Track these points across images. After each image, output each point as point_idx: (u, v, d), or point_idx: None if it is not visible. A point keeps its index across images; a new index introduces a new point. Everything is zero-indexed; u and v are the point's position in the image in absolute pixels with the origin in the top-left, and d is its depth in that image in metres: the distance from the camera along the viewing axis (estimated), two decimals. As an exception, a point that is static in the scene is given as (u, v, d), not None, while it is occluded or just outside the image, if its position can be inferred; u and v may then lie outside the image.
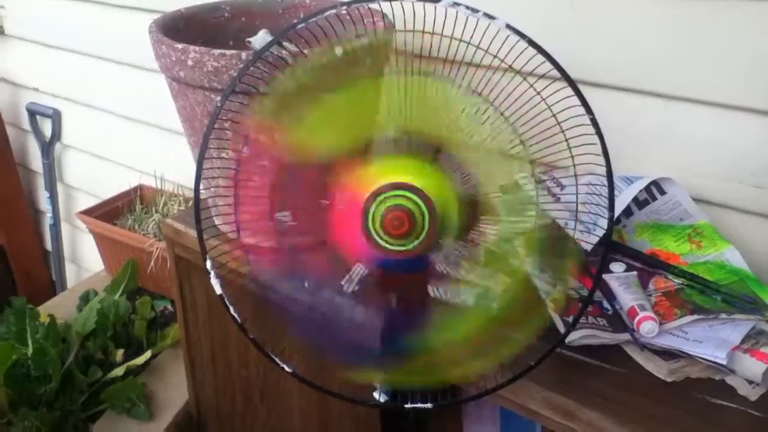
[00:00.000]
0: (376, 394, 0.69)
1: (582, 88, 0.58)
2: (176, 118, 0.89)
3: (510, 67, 0.61)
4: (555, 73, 0.58)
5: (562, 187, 0.78)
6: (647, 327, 0.70)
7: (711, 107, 0.85)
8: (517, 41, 0.58)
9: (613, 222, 0.63)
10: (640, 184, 0.83)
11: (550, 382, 0.69)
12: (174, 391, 1.29)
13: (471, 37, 0.59)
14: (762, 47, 0.79)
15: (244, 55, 0.75)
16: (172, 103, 0.88)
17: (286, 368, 0.67)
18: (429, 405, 0.66)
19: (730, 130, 0.84)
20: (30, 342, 1.30)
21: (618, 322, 0.73)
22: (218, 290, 0.65)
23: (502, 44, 0.59)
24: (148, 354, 1.35)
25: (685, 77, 0.85)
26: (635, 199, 0.86)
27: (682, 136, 0.88)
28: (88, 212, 1.59)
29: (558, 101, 0.59)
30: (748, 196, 0.85)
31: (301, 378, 0.68)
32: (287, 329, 0.64)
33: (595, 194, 0.63)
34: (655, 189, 0.86)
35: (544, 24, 0.88)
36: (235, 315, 0.65)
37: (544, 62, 0.58)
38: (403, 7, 0.59)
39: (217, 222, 0.79)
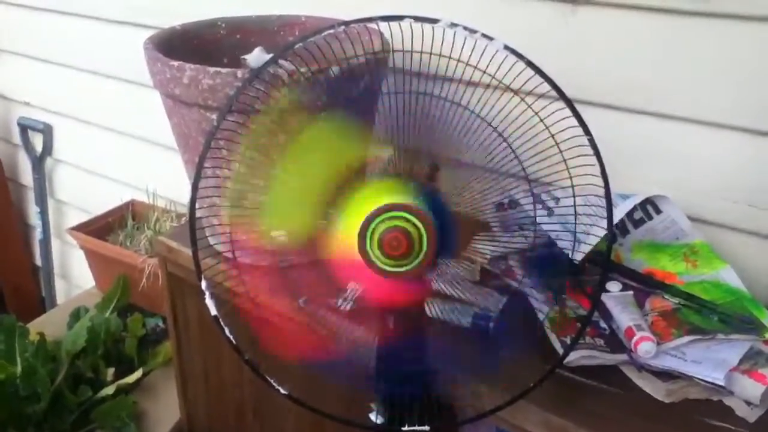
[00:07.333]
0: (372, 416, 0.69)
1: (578, 107, 0.58)
2: (169, 134, 0.88)
3: (508, 87, 0.61)
4: (553, 92, 0.58)
5: (558, 201, 0.78)
6: (645, 348, 0.70)
7: (706, 126, 0.85)
8: (515, 62, 0.58)
9: (612, 243, 0.62)
10: (634, 201, 0.83)
11: (547, 403, 0.68)
12: (166, 410, 1.27)
13: (469, 58, 0.59)
14: (756, 67, 0.80)
15: (239, 73, 0.74)
16: (165, 119, 0.87)
17: (282, 390, 0.66)
18: (426, 428, 0.65)
19: (725, 150, 0.85)
20: (19, 361, 1.28)
21: (615, 342, 0.73)
22: (213, 311, 0.64)
23: (501, 64, 0.59)
24: (139, 372, 1.34)
25: (681, 96, 0.85)
26: (631, 219, 0.86)
27: (678, 155, 0.88)
28: (78, 228, 1.58)
29: (556, 122, 0.59)
30: (743, 215, 0.85)
31: (296, 400, 0.67)
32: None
33: (591, 215, 0.63)
34: (651, 208, 0.86)
35: (540, 43, 0.88)
36: (230, 337, 0.64)
37: (542, 83, 0.57)
38: (401, 27, 0.59)
39: (211, 242, 0.78)
